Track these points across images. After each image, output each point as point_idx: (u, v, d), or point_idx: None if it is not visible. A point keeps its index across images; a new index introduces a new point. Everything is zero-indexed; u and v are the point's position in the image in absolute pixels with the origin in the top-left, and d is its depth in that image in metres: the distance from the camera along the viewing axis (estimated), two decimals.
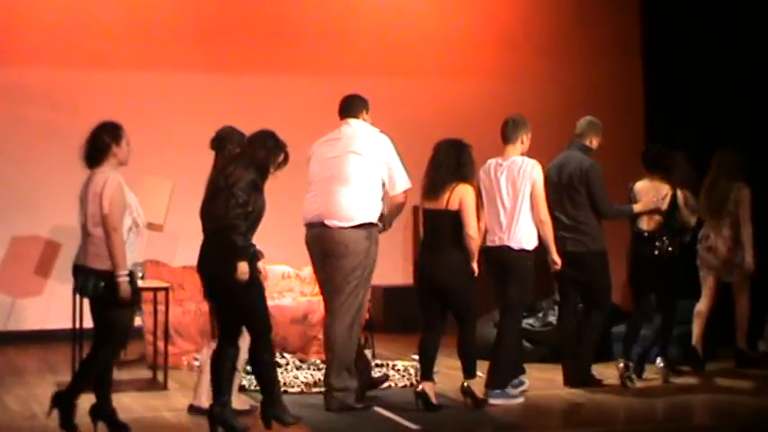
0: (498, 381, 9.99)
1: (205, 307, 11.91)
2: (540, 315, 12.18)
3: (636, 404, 10.27)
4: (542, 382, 10.80)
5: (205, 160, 11.31)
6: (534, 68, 15.50)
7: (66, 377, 10.70)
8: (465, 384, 9.64)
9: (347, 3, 15.22)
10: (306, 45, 14.70)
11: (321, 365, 11.06)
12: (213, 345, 9.10)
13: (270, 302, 12.07)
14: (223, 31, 14.42)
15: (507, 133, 10.22)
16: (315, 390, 10.38)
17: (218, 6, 14.50)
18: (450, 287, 9.56)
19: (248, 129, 13.03)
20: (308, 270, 12.86)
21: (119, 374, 10.72)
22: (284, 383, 10.43)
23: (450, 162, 9.57)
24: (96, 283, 8.31)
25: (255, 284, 8.53)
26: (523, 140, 10.20)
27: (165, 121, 13.92)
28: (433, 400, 9.46)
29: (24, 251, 13.41)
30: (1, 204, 13.38)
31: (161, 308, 10.75)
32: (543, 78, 15.43)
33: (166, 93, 14.18)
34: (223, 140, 9.35)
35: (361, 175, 9.69)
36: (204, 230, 8.83)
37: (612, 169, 11.08)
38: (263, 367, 8.70)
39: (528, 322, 11.92)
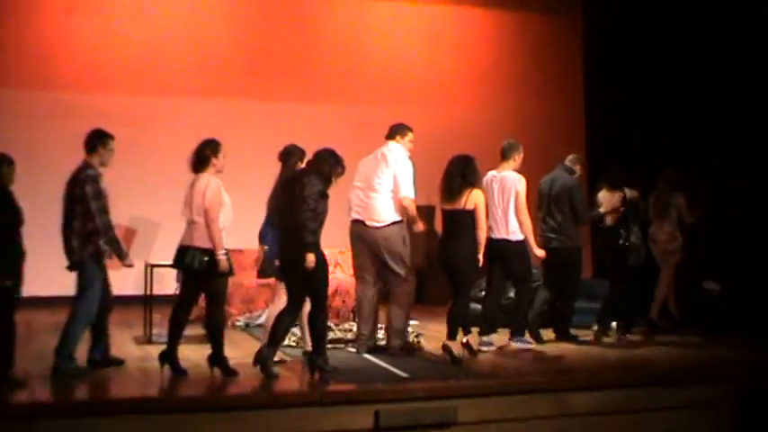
0: (517, 330, 10.64)
1: (245, 281, 12.27)
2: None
3: (583, 356, 10.46)
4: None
5: (247, 167, 11.66)
6: (502, 100, 15.70)
7: (138, 332, 11.16)
8: (445, 343, 9.77)
9: (359, 49, 15.33)
10: (326, 81, 14.91)
11: (333, 327, 11.30)
12: (272, 307, 9.61)
13: None
14: (266, 66, 14.63)
15: (504, 152, 10.70)
16: (329, 346, 9.80)
17: (262, 48, 14.69)
18: (456, 266, 9.85)
19: (280, 144, 13.51)
20: (326, 252, 13.22)
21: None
22: (306, 341, 10.13)
23: (458, 173, 9.88)
24: (201, 258, 8.87)
25: (320, 268, 8.91)
26: (515, 159, 10.66)
27: (217, 136, 14.08)
28: (456, 354, 9.76)
29: None
30: None
31: None
32: (508, 108, 15.57)
33: (219, 114, 14.26)
34: (289, 155, 9.78)
35: (389, 184, 10.14)
36: (277, 226, 9.40)
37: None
38: (318, 327, 9.02)
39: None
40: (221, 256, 8.89)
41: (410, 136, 10.45)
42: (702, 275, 12.17)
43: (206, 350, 9.42)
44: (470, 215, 9.87)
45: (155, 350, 9.83)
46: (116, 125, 13.87)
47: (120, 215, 13.37)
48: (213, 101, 14.30)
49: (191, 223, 9.06)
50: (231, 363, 9.13)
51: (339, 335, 11.05)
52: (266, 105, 14.57)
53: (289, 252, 9.01)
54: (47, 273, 10.02)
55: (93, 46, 13.68)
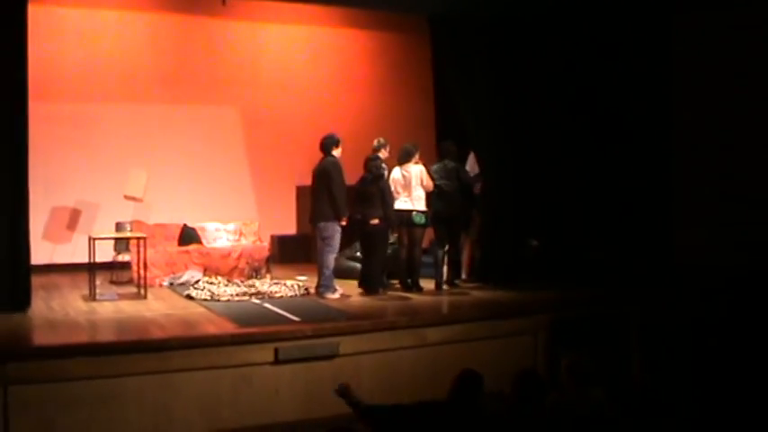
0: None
1: (169, 248, 12.02)
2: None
3: (432, 300, 10.54)
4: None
5: (167, 155, 11.43)
6: (371, 103, 15.45)
7: (85, 291, 10.72)
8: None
9: (255, 62, 14.82)
10: (229, 88, 14.48)
11: (240, 284, 11.09)
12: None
13: (208, 245, 12.51)
14: (180, 77, 14.14)
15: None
16: (236, 298, 10.35)
17: (177, 63, 14.15)
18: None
19: (192, 138, 13.41)
20: (232, 225, 12.85)
21: (117, 290, 11.00)
22: (218, 295, 10.39)
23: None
24: (421, 216, 10.76)
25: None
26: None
27: (141, 133, 13.88)
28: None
29: (61, 216, 13.24)
30: (43, 183, 12.69)
31: (141, 249, 10.67)
32: (376, 109, 15.34)
33: (143, 116, 13.92)
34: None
35: None
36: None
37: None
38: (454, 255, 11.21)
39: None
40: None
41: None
42: (525, 233, 12.04)
43: (138, 304, 9.68)
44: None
45: (99, 306, 9.84)
46: (64, 126, 13.74)
47: (67, 198, 13.32)
48: (139, 105, 13.92)
49: (408, 196, 10.71)
50: (157, 314, 9.29)
51: (244, 289, 10.92)
52: (180, 108, 14.22)
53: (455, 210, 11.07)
54: None
55: (45, 64, 13.26)
